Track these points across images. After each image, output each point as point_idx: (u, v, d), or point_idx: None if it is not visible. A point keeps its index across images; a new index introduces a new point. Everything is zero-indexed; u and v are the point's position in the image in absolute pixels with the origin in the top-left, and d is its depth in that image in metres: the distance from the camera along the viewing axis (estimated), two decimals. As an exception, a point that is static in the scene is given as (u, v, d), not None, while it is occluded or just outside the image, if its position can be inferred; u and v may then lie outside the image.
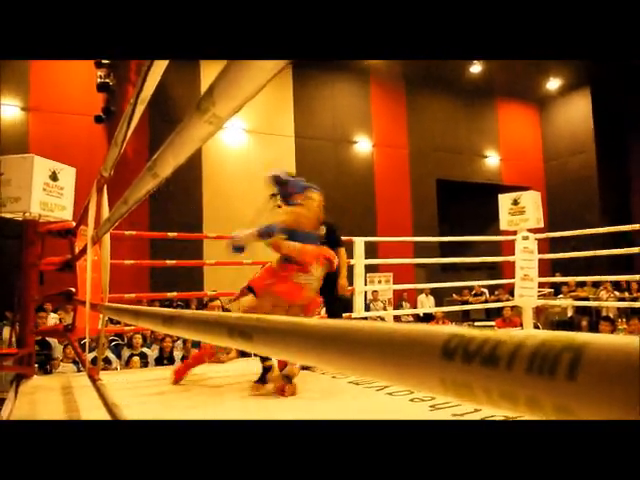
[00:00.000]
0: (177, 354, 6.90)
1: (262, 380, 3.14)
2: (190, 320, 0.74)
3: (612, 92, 14.09)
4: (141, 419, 1.60)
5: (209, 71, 10.71)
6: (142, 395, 3.13)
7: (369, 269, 5.81)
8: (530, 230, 6.27)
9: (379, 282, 10.68)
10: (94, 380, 1.95)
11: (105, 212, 2.18)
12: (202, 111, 0.68)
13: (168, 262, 4.77)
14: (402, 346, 0.31)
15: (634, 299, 8.73)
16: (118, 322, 6.30)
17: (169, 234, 4.77)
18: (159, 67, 1.08)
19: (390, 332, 0.33)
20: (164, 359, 6.82)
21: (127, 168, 5.33)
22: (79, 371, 5.30)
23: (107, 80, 9.85)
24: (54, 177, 4.47)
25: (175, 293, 4.78)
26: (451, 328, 0.29)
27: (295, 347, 0.43)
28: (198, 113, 0.70)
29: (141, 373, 4.74)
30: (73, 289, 4.21)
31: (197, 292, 7.47)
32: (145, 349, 6.93)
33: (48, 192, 4.36)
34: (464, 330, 0.28)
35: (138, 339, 6.80)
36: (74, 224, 4.13)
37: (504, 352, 0.25)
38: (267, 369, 3.17)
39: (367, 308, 7.36)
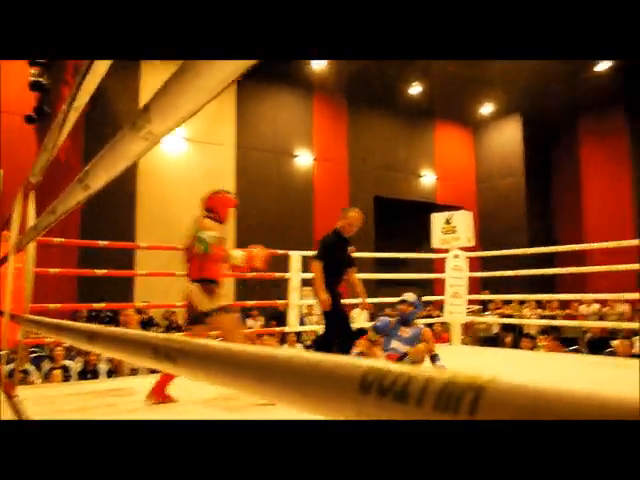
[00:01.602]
0: (102, 367, 6.63)
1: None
2: (114, 338, 0.73)
3: (541, 120, 14.93)
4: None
5: (148, 76, 10.49)
6: (62, 411, 2.99)
7: (304, 283, 5.82)
8: (461, 248, 6.51)
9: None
10: (10, 396, 1.85)
11: (31, 219, 2.09)
12: (137, 128, 0.68)
13: (97, 271, 4.60)
14: (323, 378, 0.32)
15: (552, 317, 9.20)
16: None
17: (100, 242, 4.61)
18: (96, 75, 1.06)
19: (315, 363, 0.34)
20: (88, 373, 6.54)
21: (59, 174, 5.12)
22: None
23: (41, 79, 9.44)
24: (-24, 178, 4.23)
25: (104, 304, 4.61)
26: (369, 362, 0.30)
27: (218, 373, 0.43)
28: (133, 129, 0.69)
29: (62, 387, 4.53)
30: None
31: (127, 303, 7.23)
32: (67, 362, 6.61)
33: (-31, 194, 4.12)
34: (381, 364, 0.29)
35: (60, 351, 6.49)
36: (-4, 229, 3.92)
37: (415, 389, 0.26)
38: None
39: (301, 322, 7.36)
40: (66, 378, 6.21)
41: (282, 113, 12.66)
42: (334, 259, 4.08)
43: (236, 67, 0.51)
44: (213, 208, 3.63)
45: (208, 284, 3.38)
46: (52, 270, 4.38)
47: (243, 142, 11.93)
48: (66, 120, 1.28)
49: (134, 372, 5.70)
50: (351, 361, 0.32)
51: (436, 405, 0.25)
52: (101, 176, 0.92)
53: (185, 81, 0.57)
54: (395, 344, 4.30)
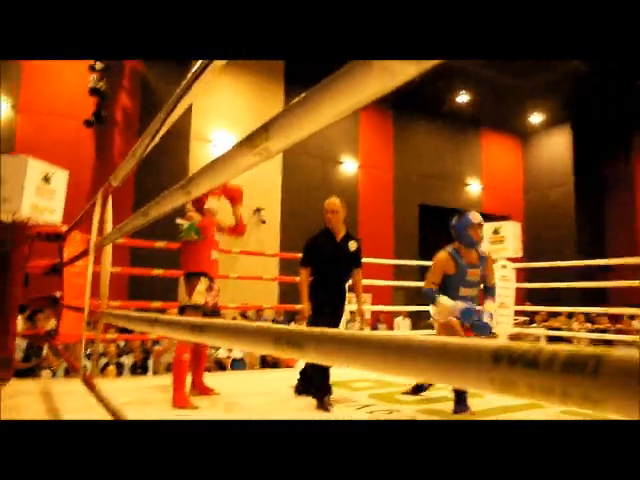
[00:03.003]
0: (151, 363, 6.90)
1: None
2: (226, 329, 0.83)
3: (592, 129, 14.58)
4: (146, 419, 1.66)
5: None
6: (145, 401, 3.18)
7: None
8: (508, 259, 6.46)
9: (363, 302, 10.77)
10: (91, 386, 2.00)
11: (109, 221, 2.25)
12: (254, 144, 0.78)
13: (154, 271, 4.80)
14: (456, 354, 0.41)
15: (603, 331, 8.96)
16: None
17: (157, 243, 4.81)
18: (194, 91, 1.17)
19: (445, 343, 0.43)
20: (138, 368, 6.81)
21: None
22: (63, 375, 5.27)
23: (99, 84, 9.89)
24: (47, 179, 4.49)
25: (159, 303, 4.81)
26: (499, 342, 0.39)
27: (356, 356, 0.52)
28: (250, 145, 0.79)
29: (132, 381, 4.74)
30: (59, 293, 4.22)
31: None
32: (122, 358, 6.90)
33: (40, 195, 4.38)
34: (511, 344, 0.38)
35: (113, 348, 6.77)
36: (64, 229, 4.15)
37: (544, 357, 0.35)
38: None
39: (345, 328, 7.44)
40: (119, 373, 6.48)
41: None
42: (321, 260, 3.61)
43: (354, 102, 0.60)
44: (200, 199, 3.53)
45: (191, 278, 3.40)
46: (117, 269, 4.55)
47: (290, 148, 12.11)
48: (160, 130, 1.41)
49: (170, 368, 5.91)
50: (482, 342, 0.40)
51: (564, 368, 0.33)
52: (205, 184, 1.03)
53: (306, 108, 0.67)
54: (465, 292, 3.44)
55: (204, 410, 3.11)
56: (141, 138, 1.58)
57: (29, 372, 5.38)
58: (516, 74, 12.34)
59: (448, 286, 3.38)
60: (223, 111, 11.40)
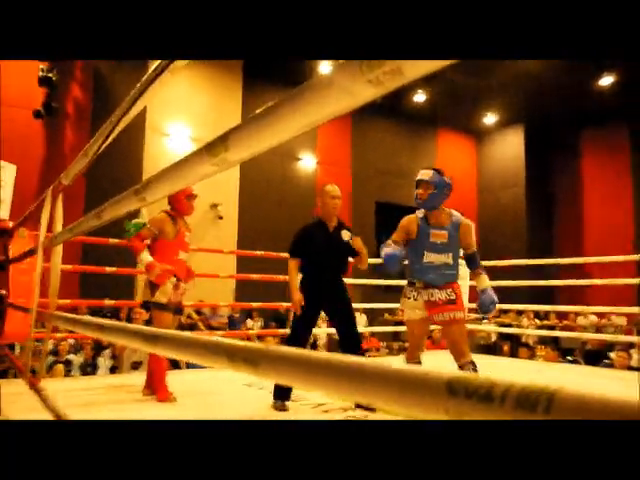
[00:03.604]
0: (103, 362, 6.72)
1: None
2: (181, 341, 0.81)
3: (543, 131, 15.06)
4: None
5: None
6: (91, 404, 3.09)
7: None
8: (462, 257, 6.61)
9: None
10: (37, 390, 1.93)
11: (59, 220, 2.18)
12: (213, 154, 0.76)
13: (107, 269, 4.69)
14: (411, 383, 0.42)
15: (551, 327, 9.29)
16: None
17: (110, 240, 4.69)
18: (152, 91, 1.14)
19: (401, 371, 0.43)
20: (88, 366, 6.64)
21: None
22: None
23: (50, 74, 9.52)
24: (-8, 173, 4.32)
25: (112, 301, 4.70)
26: (452, 372, 0.39)
27: (306, 377, 0.52)
28: (207, 154, 0.78)
29: (81, 381, 4.60)
30: (3, 291, 4.06)
31: (133, 301, 7.32)
32: (71, 356, 6.70)
33: (-15, 189, 4.20)
34: (465, 374, 0.39)
35: (64, 346, 6.57)
36: (11, 224, 4.00)
37: (498, 392, 0.35)
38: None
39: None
40: (67, 372, 6.30)
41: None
42: (312, 252, 3.51)
43: (319, 116, 0.59)
44: (170, 201, 3.63)
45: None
46: (67, 267, 4.42)
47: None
48: (114, 131, 1.37)
49: (135, 366, 5.78)
50: (435, 372, 0.41)
51: (517, 404, 0.34)
52: (161, 190, 1.00)
53: (266, 122, 0.66)
54: (430, 257, 3.14)
55: (163, 410, 3.06)
56: (94, 138, 1.54)
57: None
58: (472, 74, 12.60)
59: (412, 252, 3.16)
60: (180, 104, 11.20)
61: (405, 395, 0.42)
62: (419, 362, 3.21)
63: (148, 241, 3.53)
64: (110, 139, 1.44)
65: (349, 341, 3.49)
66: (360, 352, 3.55)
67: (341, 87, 0.54)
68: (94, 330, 1.32)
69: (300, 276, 3.58)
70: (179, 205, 3.61)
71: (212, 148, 0.77)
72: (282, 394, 3.34)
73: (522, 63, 12.05)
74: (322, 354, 0.54)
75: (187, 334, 0.85)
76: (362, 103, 0.56)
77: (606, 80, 12.59)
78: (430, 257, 3.11)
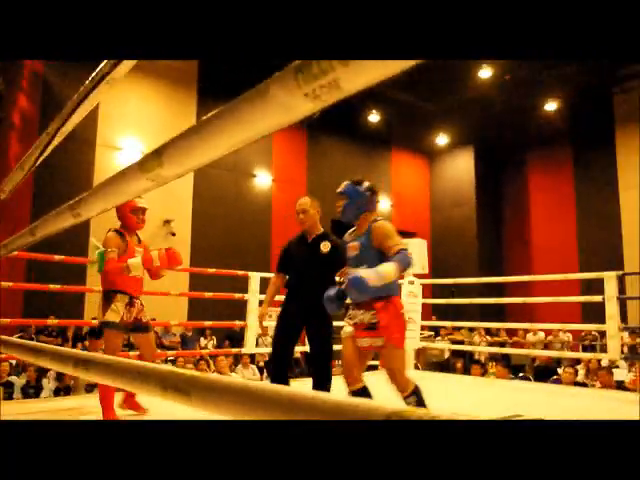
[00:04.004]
0: (47, 384, 6.42)
1: None
2: (113, 367, 0.76)
3: (492, 152, 15.58)
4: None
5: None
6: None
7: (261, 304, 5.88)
8: (415, 275, 6.68)
9: (269, 317, 10.70)
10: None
11: (-5, 235, 2.06)
12: (146, 169, 0.72)
13: (51, 286, 4.49)
14: (349, 414, 0.39)
15: (501, 344, 9.49)
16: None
17: (56, 257, 4.51)
18: (89, 103, 1.09)
19: (337, 404, 0.40)
20: (30, 388, 6.33)
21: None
22: None
23: (-5, 85, 9.19)
24: None
25: (56, 320, 4.50)
26: (393, 406, 0.37)
27: (243, 408, 0.48)
28: (142, 170, 0.74)
29: (26, 405, 4.36)
30: None
31: (80, 320, 7.04)
32: (13, 377, 6.37)
33: None
34: (403, 408, 0.36)
35: (5, 367, 6.25)
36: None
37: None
38: None
39: (256, 343, 7.34)
40: (9, 395, 5.98)
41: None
42: (292, 265, 3.48)
43: (257, 131, 0.57)
44: (118, 217, 3.55)
45: (108, 296, 3.37)
46: (8, 284, 4.23)
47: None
48: (50, 144, 1.30)
49: (90, 389, 5.54)
50: (374, 404, 0.38)
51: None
52: (96, 207, 0.95)
53: (200, 136, 0.63)
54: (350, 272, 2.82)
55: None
56: (30, 150, 1.46)
57: None
58: (423, 96, 12.94)
59: None
60: (132, 118, 10.99)
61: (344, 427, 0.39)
62: (361, 386, 2.82)
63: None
64: (47, 151, 1.37)
65: (314, 367, 3.45)
66: (324, 375, 3.38)
67: (277, 101, 0.51)
68: (26, 354, 1.24)
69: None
70: (125, 220, 3.51)
71: (146, 163, 0.73)
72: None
73: (473, 86, 12.47)
74: (257, 384, 0.51)
75: (121, 360, 0.79)
76: (299, 118, 0.54)
77: (551, 105, 13.18)
78: (349, 272, 2.79)
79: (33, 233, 1.30)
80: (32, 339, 7.39)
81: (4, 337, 1.40)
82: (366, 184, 3.04)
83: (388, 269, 2.50)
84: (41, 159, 1.46)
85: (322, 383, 3.32)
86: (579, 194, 14.47)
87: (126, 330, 3.41)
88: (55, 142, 1.32)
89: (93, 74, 1.04)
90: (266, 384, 0.50)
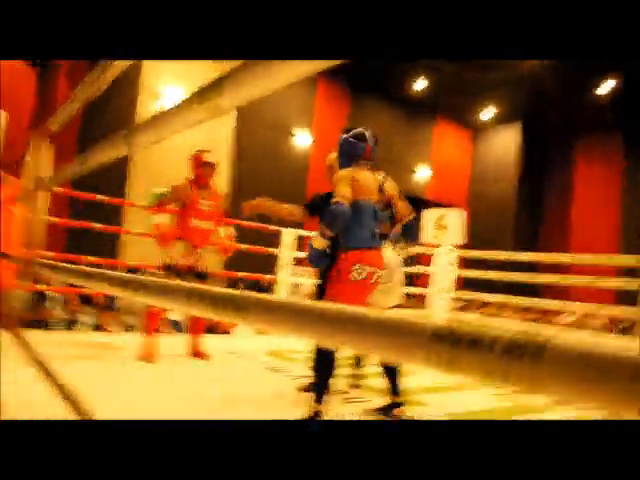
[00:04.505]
0: (85, 319, 6.65)
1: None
2: (164, 288, 0.79)
3: (540, 131, 15.09)
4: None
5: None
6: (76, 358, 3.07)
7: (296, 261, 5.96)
8: (454, 246, 6.62)
9: (302, 276, 10.79)
10: (17, 337, 1.91)
11: (45, 167, 2.13)
12: (205, 99, 0.73)
13: (95, 225, 4.64)
14: (396, 328, 0.40)
15: (533, 322, 9.40)
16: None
17: (98, 197, 4.63)
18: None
19: (387, 317, 0.41)
20: (71, 323, 6.59)
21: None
22: None
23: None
24: (-19, 119, 4.21)
25: (95, 258, 4.64)
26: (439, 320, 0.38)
27: (298, 325, 0.50)
28: (200, 99, 0.75)
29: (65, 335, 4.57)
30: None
31: (118, 260, 7.25)
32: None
33: (-28, 134, 4.11)
34: (454, 323, 0.37)
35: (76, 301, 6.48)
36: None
37: (486, 338, 0.34)
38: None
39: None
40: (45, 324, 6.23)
41: (284, 91, 12.56)
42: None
43: (309, 67, 0.57)
44: (191, 170, 3.74)
45: (173, 242, 3.62)
46: (54, 220, 4.34)
47: (243, 114, 11.84)
48: (104, 74, 1.32)
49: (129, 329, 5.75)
50: (424, 319, 0.39)
51: (506, 350, 0.32)
52: (149, 136, 0.97)
53: (264, 65, 0.63)
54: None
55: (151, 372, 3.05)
56: (82, 82, 1.48)
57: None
58: (475, 68, 12.54)
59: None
60: (174, 66, 11.00)
61: (391, 342, 0.40)
62: None
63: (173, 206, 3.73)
64: (103, 86, 1.39)
65: None
66: None
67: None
68: (78, 277, 1.30)
69: None
70: (195, 173, 3.69)
71: (205, 92, 0.74)
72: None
73: (525, 62, 12.02)
74: (308, 303, 0.53)
75: (171, 282, 0.82)
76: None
77: (606, 86, 12.62)
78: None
79: (83, 162, 1.33)
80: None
81: (61, 264, 1.46)
82: (352, 132, 2.72)
83: (312, 237, 2.48)
84: (93, 93, 1.48)
85: None
86: (627, 180, 13.99)
87: (178, 274, 3.51)
88: (109, 76, 1.34)
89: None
90: (315, 303, 0.51)
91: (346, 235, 2.46)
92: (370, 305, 2.57)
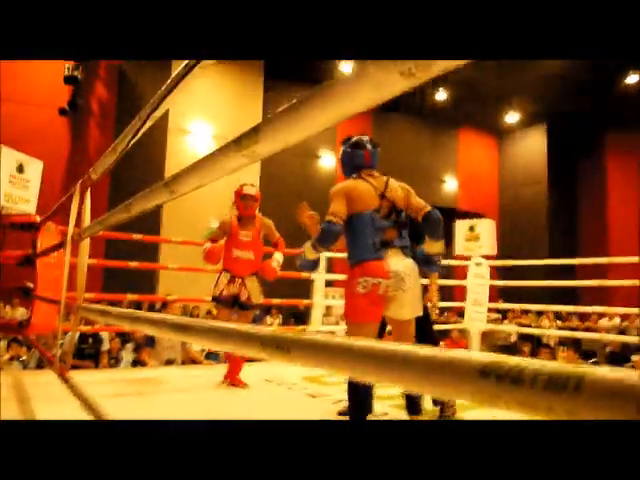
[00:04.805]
0: (126, 356, 6.80)
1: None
2: (213, 331, 0.83)
3: (567, 131, 14.86)
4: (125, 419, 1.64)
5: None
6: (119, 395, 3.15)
7: (327, 284, 5.97)
8: (483, 256, 6.56)
9: (333, 297, 10.79)
10: (65, 379, 1.98)
11: (87, 214, 2.22)
12: (243, 146, 0.78)
13: (131, 264, 4.76)
14: (443, 367, 0.43)
15: (573, 329, 9.17)
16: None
17: (134, 235, 4.76)
18: (180, 89, 1.17)
19: (433, 355, 0.44)
20: (112, 359, 6.73)
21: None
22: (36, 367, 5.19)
23: (75, 73, 9.68)
24: (20, 169, 4.41)
25: (135, 295, 4.77)
26: (488, 356, 0.40)
27: (344, 364, 0.53)
28: (238, 147, 0.80)
29: (108, 373, 4.69)
30: (31, 284, 4.15)
31: (155, 295, 7.39)
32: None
33: (13, 184, 4.30)
34: (497, 357, 0.40)
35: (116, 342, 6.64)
36: (38, 218, 4.08)
37: (528, 374, 0.36)
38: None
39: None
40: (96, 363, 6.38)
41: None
42: None
43: (344, 111, 0.61)
44: (234, 204, 3.98)
45: (220, 274, 3.88)
46: (92, 261, 4.49)
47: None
48: (142, 127, 1.40)
49: (169, 362, 5.83)
50: (469, 354, 0.42)
51: (546, 386, 0.35)
52: (191, 183, 1.03)
53: (297, 115, 0.68)
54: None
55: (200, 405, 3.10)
56: (123, 133, 1.57)
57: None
58: (494, 73, 12.49)
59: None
60: (201, 102, 11.28)
61: (439, 379, 0.43)
62: None
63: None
64: (139, 135, 1.46)
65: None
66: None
67: (372, 80, 0.55)
68: (126, 321, 1.35)
69: None
70: (237, 206, 3.94)
71: (243, 140, 0.78)
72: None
73: (545, 62, 11.90)
74: (350, 341, 0.56)
75: (219, 324, 0.86)
76: (392, 95, 0.57)
77: (631, 79, 12.38)
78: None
79: (129, 209, 1.40)
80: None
81: (109, 308, 1.53)
82: (351, 141, 2.69)
83: (305, 245, 2.51)
84: (132, 142, 1.56)
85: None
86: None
87: (226, 305, 3.77)
88: (146, 126, 1.41)
89: (178, 69, 1.11)
90: (359, 341, 0.54)
91: (350, 251, 2.49)
92: (388, 318, 2.55)
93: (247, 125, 0.80)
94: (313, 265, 2.55)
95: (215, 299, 3.77)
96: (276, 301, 5.91)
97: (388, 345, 0.50)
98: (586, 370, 0.34)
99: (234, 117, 11.41)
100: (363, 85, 0.57)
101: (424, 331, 3.03)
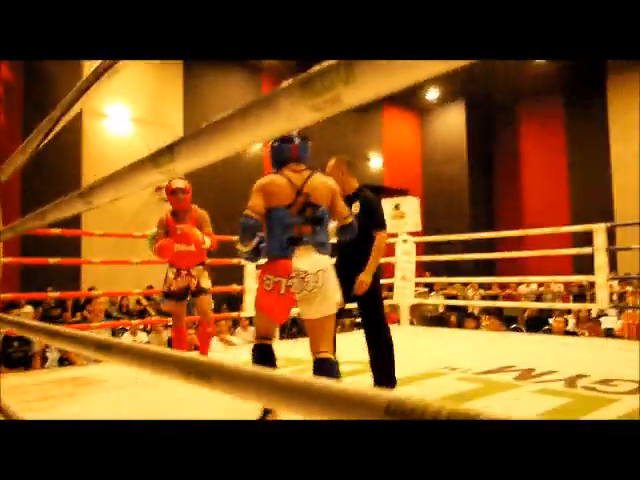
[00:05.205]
0: (51, 356, 6.52)
1: None
2: (132, 352, 0.82)
3: (483, 106, 15.44)
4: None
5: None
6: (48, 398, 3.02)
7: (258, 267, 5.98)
8: (408, 233, 6.76)
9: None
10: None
11: (-2, 217, 2.10)
12: (159, 164, 0.77)
13: (51, 260, 4.54)
14: (350, 405, 0.45)
15: (494, 297, 9.68)
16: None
17: (52, 230, 4.53)
18: (95, 92, 1.12)
19: (342, 390, 0.47)
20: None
21: None
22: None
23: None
24: None
25: (56, 293, 4.56)
26: (392, 392, 0.43)
27: (252, 393, 0.55)
28: (154, 164, 0.78)
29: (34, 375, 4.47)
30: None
31: (78, 292, 7.10)
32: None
33: None
34: (402, 396, 0.42)
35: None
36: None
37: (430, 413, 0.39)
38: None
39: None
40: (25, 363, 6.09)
41: (230, 93, 12.48)
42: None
43: (262, 135, 0.61)
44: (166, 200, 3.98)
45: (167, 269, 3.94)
46: (7, 259, 4.24)
47: (190, 123, 11.73)
48: (54, 129, 1.33)
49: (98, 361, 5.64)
50: (374, 390, 0.45)
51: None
52: (107, 195, 1.00)
53: (211, 137, 0.67)
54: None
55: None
56: (32, 134, 1.49)
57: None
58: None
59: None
60: (117, 84, 10.77)
61: (346, 414, 0.45)
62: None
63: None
64: (50, 136, 1.40)
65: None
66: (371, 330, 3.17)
67: (283, 111, 0.56)
68: (45, 336, 1.30)
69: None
70: (169, 201, 3.88)
71: (158, 159, 0.77)
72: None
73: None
74: (270, 372, 0.57)
75: (142, 346, 0.85)
76: (302, 126, 0.59)
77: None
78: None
79: (43, 217, 1.34)
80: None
81: (29, 321, 1.46)
82: (279, 137, 2.65)
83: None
84: (43, 144, 1.49)
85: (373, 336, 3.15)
86: (570, 146, 14.49)
87: (178, 298, 3.85)
88: (57, 128, 1.35)
89: (92, 69, 1.07)
90: (280, 373, 0.56)
91: (266, 247, 2.53)
92: (300, 317, 2.59)
93: (167, 106, 0.78)
94: (252, 256, 2.56)
95: (165, 294, 3.88)
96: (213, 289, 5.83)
97: (299, 379, 0.52)
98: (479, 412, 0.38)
99: (153, 99, 11.02)
100: (275, 115, 0.58)
101: (367, 309, 3.17)
